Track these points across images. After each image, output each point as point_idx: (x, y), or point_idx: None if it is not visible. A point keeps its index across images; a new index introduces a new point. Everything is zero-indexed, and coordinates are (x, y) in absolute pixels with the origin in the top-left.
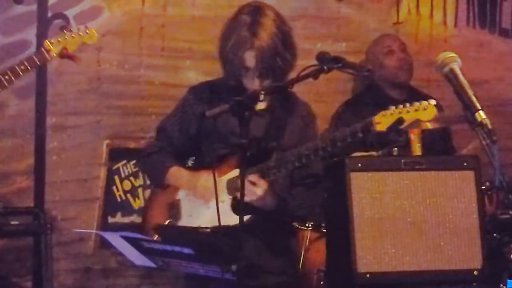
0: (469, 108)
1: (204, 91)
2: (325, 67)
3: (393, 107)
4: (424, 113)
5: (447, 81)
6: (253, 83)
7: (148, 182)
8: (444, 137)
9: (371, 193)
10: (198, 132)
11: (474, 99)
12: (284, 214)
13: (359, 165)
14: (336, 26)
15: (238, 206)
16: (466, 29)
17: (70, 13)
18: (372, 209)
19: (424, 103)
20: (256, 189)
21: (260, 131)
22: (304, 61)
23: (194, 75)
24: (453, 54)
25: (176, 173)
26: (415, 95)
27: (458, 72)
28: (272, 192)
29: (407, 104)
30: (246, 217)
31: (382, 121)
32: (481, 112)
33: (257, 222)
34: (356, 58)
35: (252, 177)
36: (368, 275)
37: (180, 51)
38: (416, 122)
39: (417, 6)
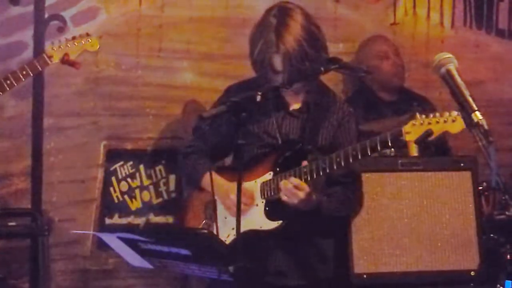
0: (466, 109)
1: (238, 91)
2: (322, 68)
3: (421, 116)
4: (453, 125)
5: (443, 82)
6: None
7: (147, 173)
8: (439, 138)
9: (368, 194)
10: (229, 131)
11: (470, 100)
12: (321, 216)
13: (357, 166)
14: (333, 26)
15: (270, 210)
16: (463, 29)
17: (67, 14)
18: (369, 210)
19: (454, 114)
20: (299, 192)
21: (295, 132)
22: None
23: (191, 76)
24: (449, 55)
25: (211, 180)
26: (407, 96)
27: (455, 73)
28: (313, 193)
29: (437, 114)
30: (277, 223)
31: (412, 131)
32: (477, 113)
33: (287, 227)
34: (353, 59)
35: (294, 180)
36: (365, 276)
37: (178, 52)
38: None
39: (414, 7)
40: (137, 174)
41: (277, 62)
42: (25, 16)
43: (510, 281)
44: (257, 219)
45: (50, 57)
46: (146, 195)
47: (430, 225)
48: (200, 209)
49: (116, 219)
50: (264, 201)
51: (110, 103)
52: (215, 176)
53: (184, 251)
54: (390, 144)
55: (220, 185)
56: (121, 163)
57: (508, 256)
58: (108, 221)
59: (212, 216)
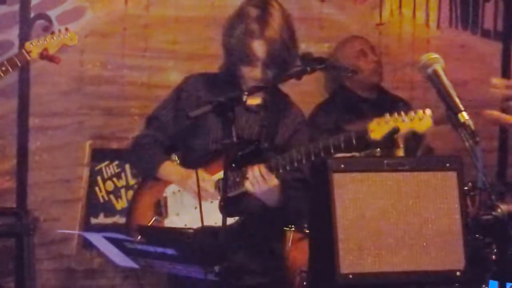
0: (452, 109)
1: (199, 80)
2: (308, 68)
3: (388, 115)
4: (419, 123)
5: (430, 82)
6: (256, 73)
7: (133, 173)
8: (416, 137)
9: (354, 194)
10: (191, 125)
11: (457, 100)
12: (280, 216)
13: (342, 165)
14: (319, 27)
15: (225, 206)
16: (449, 30)
17: (53, 13)
18: (355, 210)
19: (420, 113)
20: (267, 182)
21: (253, 128)
22: None
23: (177, 76)
24: (436, 55)
25: (170, 168)
26: (384, 95)
27: (442, 73)
28: (280, 188)
29: (402, 113)
30: (234, 219)
31: (377, 129)
32: (464, 113)
33: (245, 224)
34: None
35: (263, 169)
36: (350, 276)
37: (163, 51)
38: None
39: (400, 7)
40: (123, 174)
41: (258, 47)
42: (11, 15)
43: (496, 281)
44: (212, 215)
45: (28, 52)
46: (131, 195)
47: (416, 225)
48: (150, 205)
49: (102, 219)
50: (219, 197)
51: (96, 102)
52: (173, 164)
53: (170, 251)
54: (355, 143)
55: (179, 171)
56: (107, 162)
57: (493, 257)
58: (93, 220)
59: (163, 213)
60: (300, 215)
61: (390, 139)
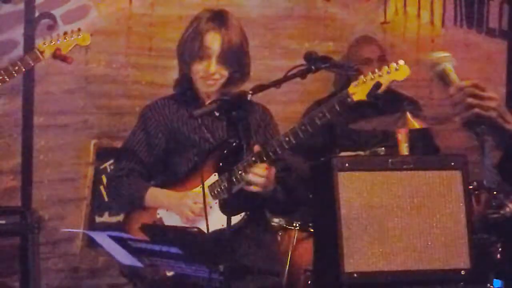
0: None
1: (161, 106)
2: (313, 67)
3: (362, 76)
4: (397, 73)
5: (439, 80)
6: (209, 67)
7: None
8: (425, 137)
9: (359, 193)
10: (168, 145)
11: None
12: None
13: (347, 164)
14: (324, 25)
15: (226, 205)
16: (453, 28)
17: (57, 12)
18: (359, 209)
19: (393, 65)
20: (269, 176)
21: (223, 132)
22: (292, 61)
23: None
24: (447, 54)
25: (156, 194)
26: (388, 94)
27: (452, 71)
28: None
29: (376, 70)
30: (237, 218)
31: (357, 90)
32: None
33: (247, 224)
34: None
35: (263, 165)
36: (355, 275)
37: (168, 50)
38: (392, 83)
39: (404, 5)
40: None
41: (211, 39)
42: (16, 14)
43: (499, 281)
44: (216, 220)
45: (42, 52)
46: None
47: (421, 224)
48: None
49: (106, 218)
50: (216, 201)
51: (100, 101)
52: (157, 189)
53: (174, 250)
54: (338, 109)
55: (166, 195)
56: (111, 161)
57: (499, 255)
58: (98, 219)
59: None
60: (298, 203)
61: (374, 96)
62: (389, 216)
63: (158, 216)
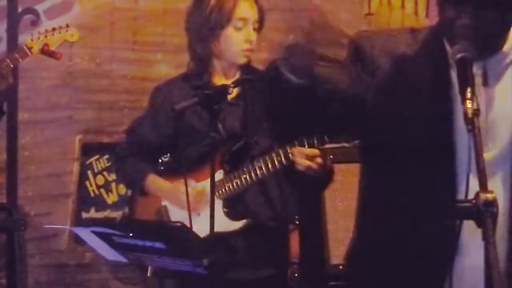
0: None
1: (171, 87)
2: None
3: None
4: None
5: None
6: (248, 35)
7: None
8: None
9: (343, 185)
10: (175, 132)
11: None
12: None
13: (331, 156)
14: (308, 17)
15: (230, 210)
16: (438, 19)
17: (40, 7)
18: (345, 201)
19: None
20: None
21: (235, 121)
22: (277, 54)
23: (166, 69)
24: None
25: (155, 183)
26: None
27: None
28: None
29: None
30: (238, 225)
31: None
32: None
33: (251, 226)
34: (328, 50)
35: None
36: (341, 267)
37: (152, 44)
38: None
39: None
40: (113, 168)
41: (245, 8)
42: None
43: None
44: (217, 221)
45: (30, 48)
46: (122, 189)
47: None
48: (150, 214)
49: (93, 213)
50: (220, 201)
51: (85, 96)
52: (158, 178)
53: (158, 244)
54: None
55: (166, 186)
56: (97, 156)
57: None
58: (84, 215)
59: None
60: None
61: None
62: None
63: (163, 204)
